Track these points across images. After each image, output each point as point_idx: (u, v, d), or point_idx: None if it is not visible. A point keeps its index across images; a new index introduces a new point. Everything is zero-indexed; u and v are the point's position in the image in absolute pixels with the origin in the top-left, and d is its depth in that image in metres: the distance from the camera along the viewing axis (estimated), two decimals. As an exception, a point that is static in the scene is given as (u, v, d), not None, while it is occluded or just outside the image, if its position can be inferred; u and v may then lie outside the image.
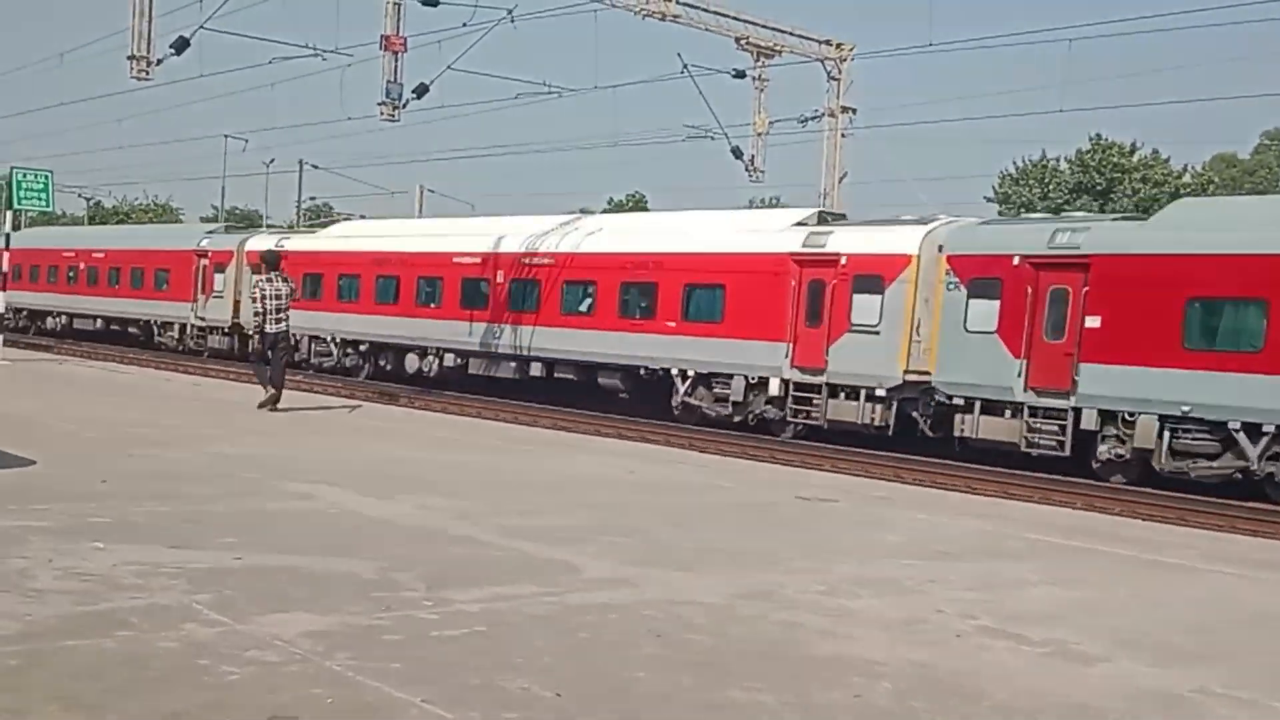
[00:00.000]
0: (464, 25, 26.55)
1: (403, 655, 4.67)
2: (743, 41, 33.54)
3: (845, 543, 8.44)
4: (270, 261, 17.33)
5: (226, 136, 60.14)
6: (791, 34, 34.19)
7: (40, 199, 43.45)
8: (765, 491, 11.54)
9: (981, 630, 5.91)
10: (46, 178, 43.56)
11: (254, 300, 16.93)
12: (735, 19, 32.93)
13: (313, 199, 71.87)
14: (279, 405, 16.04)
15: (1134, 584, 7.71)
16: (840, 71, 34.50)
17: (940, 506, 11.50)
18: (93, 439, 11.51)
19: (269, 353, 16.55)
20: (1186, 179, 62.45)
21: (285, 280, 17.02)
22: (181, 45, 26.36)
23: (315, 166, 61.56)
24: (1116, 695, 4.91)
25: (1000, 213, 58.86)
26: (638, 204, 76.33)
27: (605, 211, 77.92)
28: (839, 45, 34.71)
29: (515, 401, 25.11)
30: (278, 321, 16.46)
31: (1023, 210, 59.74)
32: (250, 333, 17.99)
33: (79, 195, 71.57)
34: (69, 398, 16.43)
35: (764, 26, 33.63)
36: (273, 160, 64.75)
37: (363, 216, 55.27)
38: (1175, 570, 8.48)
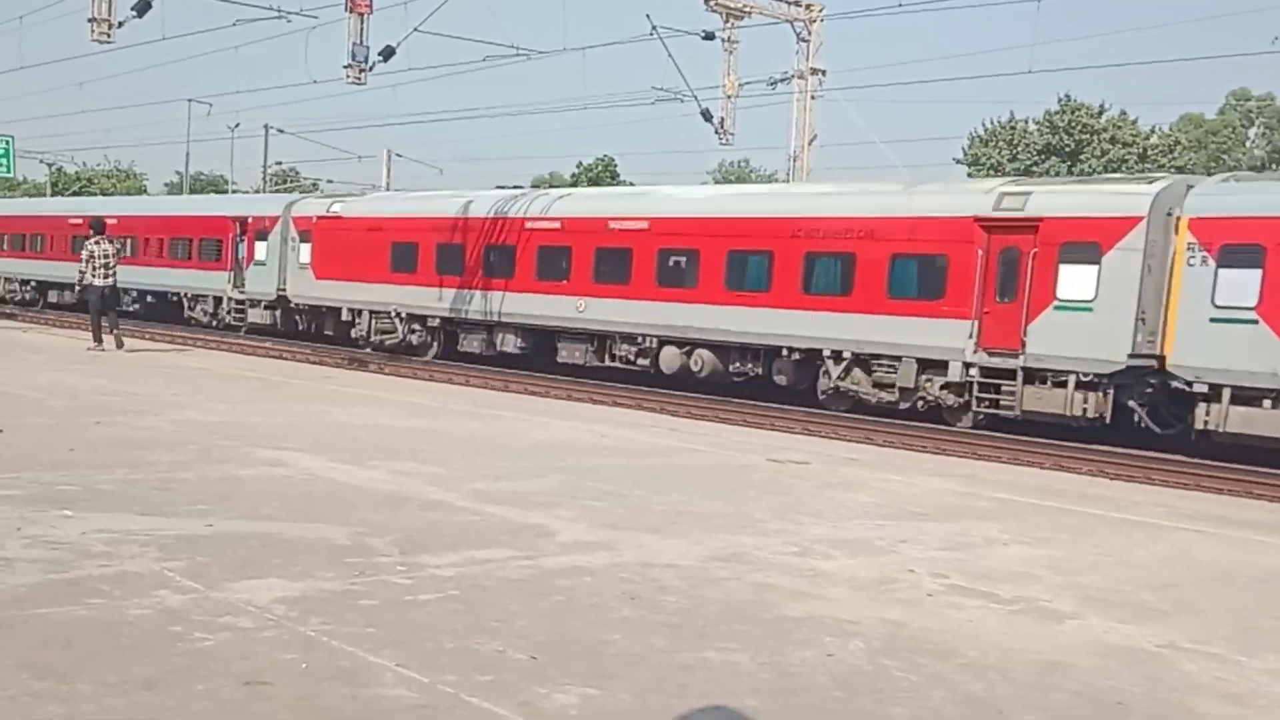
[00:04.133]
0: (431, -14, 26.26)
1: (377, 620, 4.67)
2: (712, 3, 33.36)
3: (817, 504, 8.48)
4: (96, 227, 20.74)
5: (190, 101, 59.71)
6: (761, -5, 34.03)
7: (1, 165, 42.96)
8: (737, 454, 11.57)
9: (952, 589, 5.96)
10: (7, 143, 43.04)
11: (82, 260, 19.99)
12: (705, -20, 32.74)
13: (279, 163, 71.20)
14: (124, 345, 19.58)
15: (1102, 542, 7.80)
16: (810, 33, 34.41)
17: (910, 468, 11.59)
18: (59, 407, 11.41)
19: (102, 303, 19.92)
20: (1154, 140, 62.81)
21: (111, 241, 20.50)
22: (144, 7, 25.90)
23: (281, 131, 60.99)
24: (1086, 652, 4.97)
25: (969, 174, 59.15)
26: (606, 167, 75.97)
27: (573, 174, 77.61)
28: (808, 6, 34.61)
29: (486, 367, 25.13)
30: (105, 277, 19.72)
31: (992, 171, 59.99)
32: (78, 286, 21.43)
33: (40, 161, 70.68)
34: (34, 366, 16.27)
35: (733, -12, 33.45)
36: (238, 125, 64.21)
37: (329, 181, 55.18)
38: (1142, 528, 8.58)
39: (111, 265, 19.80)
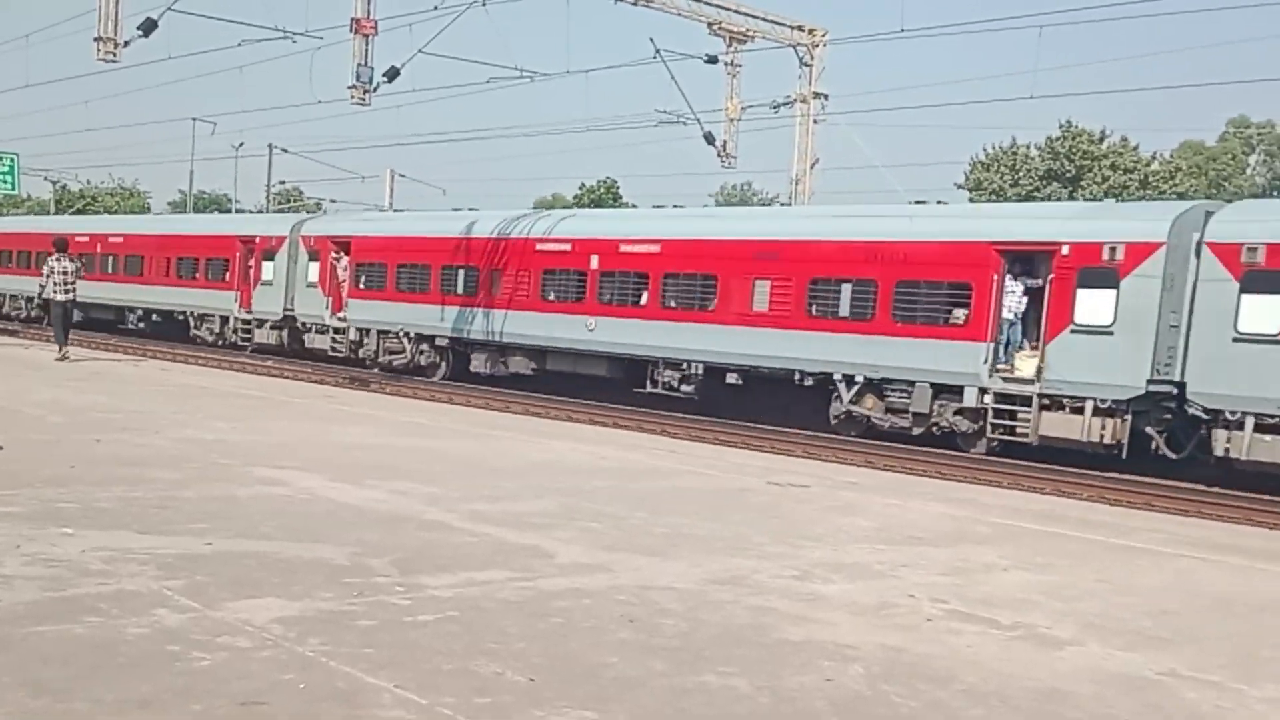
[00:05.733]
0: (435, 8, 26.37)
1: (375, 641, 4.66)
2: (715, 26, 33.51)
3: (817, 528, 8.47)
4: (59, 246, 21.93)
5: (195, 120, 59.92)
6: (764, 19, 34.19)
7: (6, 182, 43.15)
8: (737, 477, 11.56)
9: (952, 614, 5.95)
10: (12, 160, 43.18)
11: (46, 276, 21.06)
12: (708, 4, 32.89)
13: (283, 183, 71.43)
14: (69, 356, 20.42)
15: (1102, 568, 7.78)
16: (812, 57, 34.54)
17: (911, 492, 11.57)
18: (59, 424, 11.41)
19: (62, 316, 20.94)
20: (1155, 166, 62.94)
21: (73, 260, 21.61)
22: (149, 27, 26.04)
23: (285, 150, 61.18)
24: (1085, 678, 4.96)
25: (971, 199, 59.44)
26: (609, 189, 76.18)
27: (576, 196, 77.78)
28: (811, 30, 34.74)
29: (486, 387, 25.15)
30: (66, 292, 20.84)
31: (994, 196, 60.14)
32: (40, 301, 22.70)
33: (45, 179, 70.88)
34: (34, 383, 16.27)
35: (736, 11, 33.60)
36: (242, 144, 64.39)
37: (332, 201, 55.55)
38: (1142, 554, 8.57)
39: (71, 281, 21.02)
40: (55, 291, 20.92)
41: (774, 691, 4.44)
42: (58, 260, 21.15)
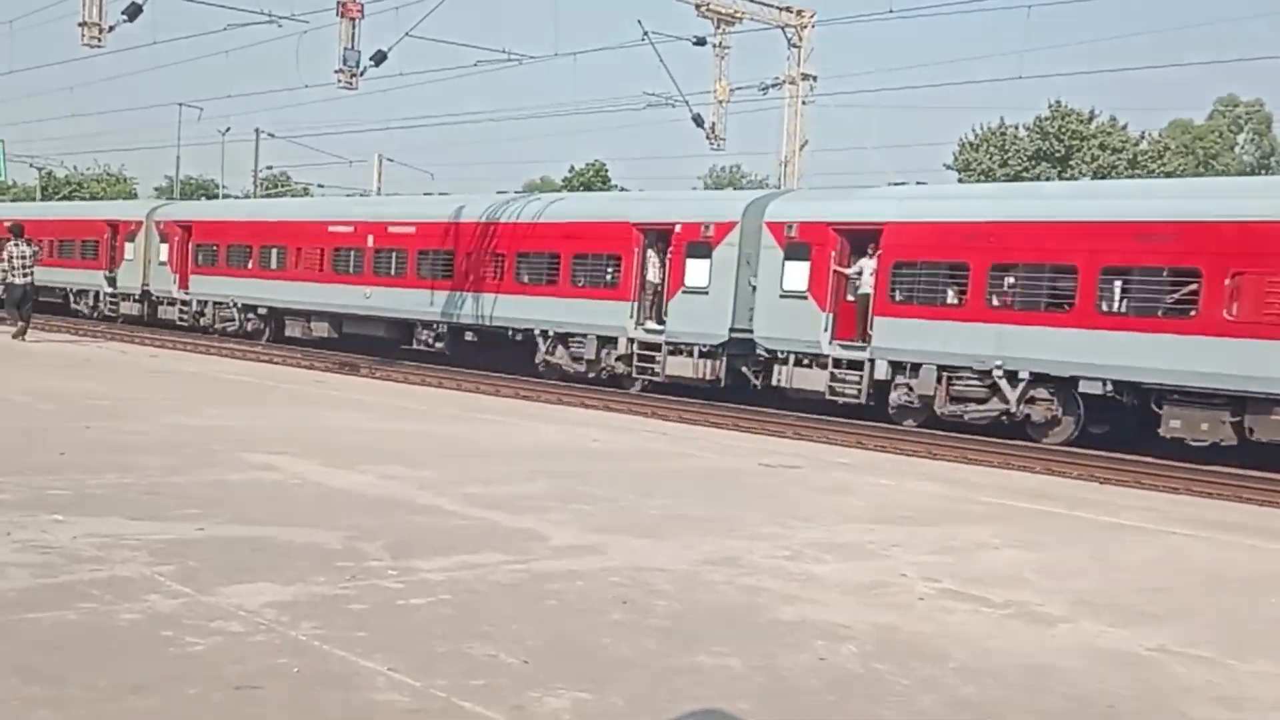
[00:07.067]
0: (422, -9, 26.30)
1: (368, 624, 4.66)
2: (703, 8, 33.41)
3: (809, 508, 8.49)
4: (16, 231, 22.68)
5: (181, 105, 59.75)
6: (752, 1, 34.09)
7: (-8, 168, 42.87)
8: (729, 458, 11.58)
9: (944, 593, 5.97)
10: (-2, 147, 42.82)
11: (4, 261, 21.95)
12: (696, -15, 32.76)
13: (270, 168, 71.19)
14: (28, 338, 21.18)
15: (1093, 546, 7.81)
16: (801, 38, 34.47)
17: (901, 472, 11.60)
18: (48, 411, 11.37)
19: (21, 299, 21.66)
20: (1144, 145, 62.99)
21: (30, 243, 22.43)
22: (134, 11, 25.88)
23: (272, 135, 61.00)
24: (1077, 655, 4.98)
25: (960, 179, 59.43)
26: (598, 172, 76.06)
27: (565, 179, 77.64)
28: (799, 12, 34.67)
29: (477, 372, 25.16)
30: (24, 276, 21.70)
31: (983, 177, 60.13)
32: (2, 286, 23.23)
33: (30, 165, 70.63)
34: (23, 370, 16.22)
35: (724, -7, 33.49)
36: (229, 129, 64.10)
37: (320, 186, 55.42)
38: (1133, 532, 8.60)
39: (30, 265, 21.92)
40: (14, 275, 21.80)
41: (768, 670, 4.46)
42: (15, 245, 21.97)
